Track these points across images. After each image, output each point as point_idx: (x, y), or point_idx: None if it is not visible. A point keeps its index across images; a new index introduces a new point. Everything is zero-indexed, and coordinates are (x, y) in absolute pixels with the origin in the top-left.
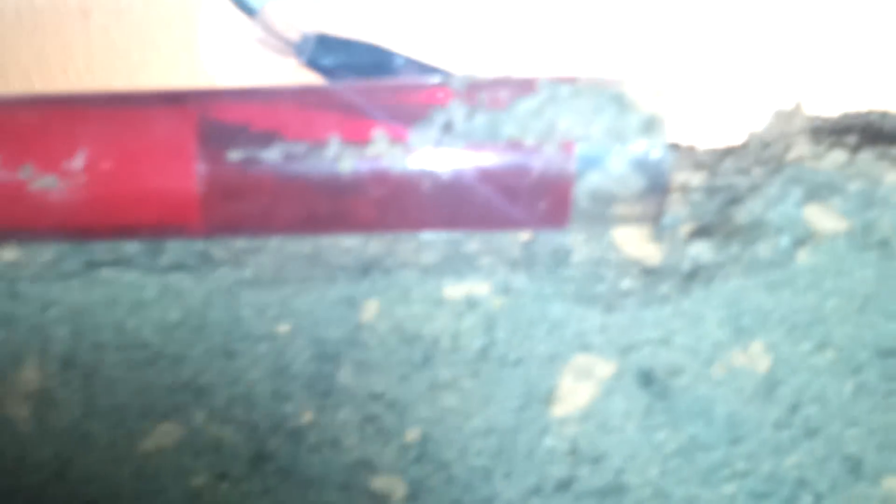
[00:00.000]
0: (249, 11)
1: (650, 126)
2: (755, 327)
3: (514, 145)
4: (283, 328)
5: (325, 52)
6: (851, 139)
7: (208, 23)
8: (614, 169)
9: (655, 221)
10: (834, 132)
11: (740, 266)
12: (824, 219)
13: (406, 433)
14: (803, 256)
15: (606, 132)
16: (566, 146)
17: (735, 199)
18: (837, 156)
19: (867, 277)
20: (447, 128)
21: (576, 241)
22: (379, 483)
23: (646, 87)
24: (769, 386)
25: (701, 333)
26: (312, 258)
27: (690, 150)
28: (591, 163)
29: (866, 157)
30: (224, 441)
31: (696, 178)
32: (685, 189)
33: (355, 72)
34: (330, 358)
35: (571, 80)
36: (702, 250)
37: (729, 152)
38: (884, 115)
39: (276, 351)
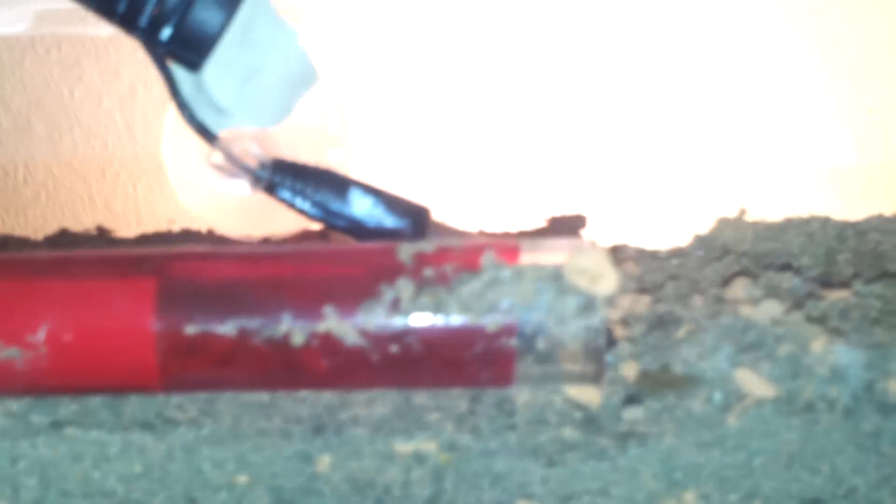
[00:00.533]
0: (209, 138)
1: (588, 304)
2: (687, 480)
3: (458, 322)
4: (242, 478)
5: (281, 177)
6: (787, 281)
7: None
8: (554, 343)
9: (596, 380)
10: (770, 267)
11: (673, 424)
12: (754, 383)
13: None
14: (732, 419)
15: (546, 310)
16: (508, 323)
17: (673, 344)
18: (771, 307)
19: (792, 439)
20: (394, 305)
21: (523, 390)
22: None
23: (584, 266)
24: None
25: (636, 486)
26: (268, 408)
27: (640, 257)
28: (531, 338)
29: (797, 318)
30: None
31: (640, 304)
32: (627, 322)
33: (311, 197)
34: None
35: (513, 255)
36: (636, 415)
37: (676, 254)
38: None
39: (236, 499)
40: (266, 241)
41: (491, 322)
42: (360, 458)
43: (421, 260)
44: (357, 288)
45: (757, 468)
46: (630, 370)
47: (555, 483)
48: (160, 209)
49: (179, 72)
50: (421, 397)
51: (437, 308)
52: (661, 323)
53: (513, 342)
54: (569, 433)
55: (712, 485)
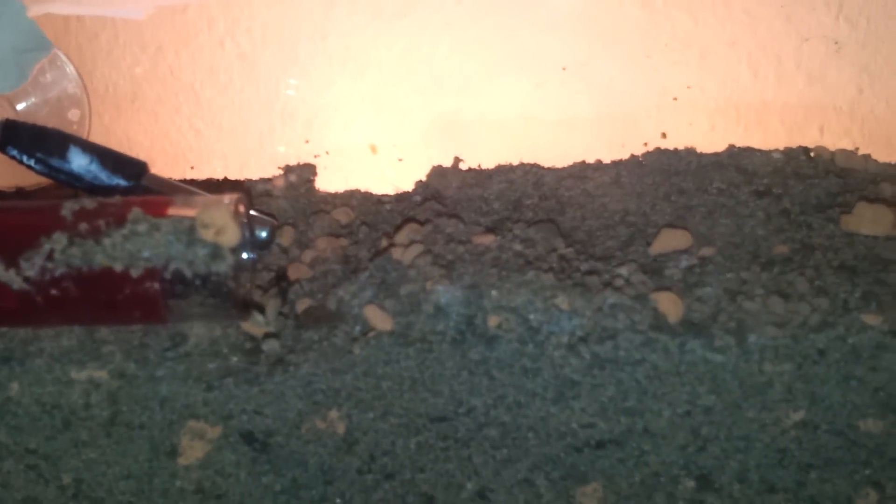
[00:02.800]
0: None
1: (216, 253)
2: (328, 401)
3: (108, 270)
4: None
5: (9, 137)
6: (451, 227)
7: None
8: (189, 286)
9: (230, 317)
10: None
11: (314, 353)
12: (378, 318)
13: (62, 477)
14: (358, 349)
15: (181, 259)
16: (149, 270)
17: (337, 283)
18: (413, 251)
19: (411, 366)
20: (49, 256)
21: (197, 326)
22: None
23: (209, 221)
24: (349, 443)
25: (285, 406)
26: None
27: (362, 201)
28: (171, 282)
29: (425, 261)
30: None
31: (334, 246)
32: (315, 263)
33: (35, 155)
34: None
35: (161, 210)
36: (273, 346)
37: (398, 199)
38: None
39: None
40: (18, 192)
41: (134, 269)
42: (43, 384)
43: (79, 216)
44: (22, 240)
45: (386, 391)
46: (301, 306)
47: (215, 405)
48: None
49: None
50: (103, 332)
51: (85, 258)
52: (343, 263)
53: (156, 286)
54: (233, 362)
55: (350, 405)
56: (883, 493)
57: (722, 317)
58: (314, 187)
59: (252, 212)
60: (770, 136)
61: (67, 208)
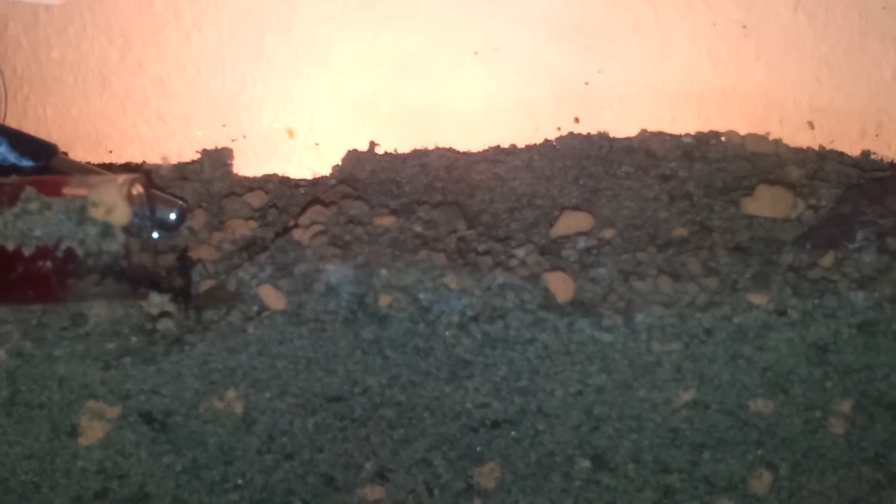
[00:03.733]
0: None
1: (106, 232)
2: (226, 380)
3: (1, 249)
4: None
5: None
6: (355, 209)
7: None
8: (82, 265)
9: (126, 296)
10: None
11: (211, 333)
12: (272, 297)
13: None
14: (251, 328)
15: (73, 238)
16: (41, 249)
17: (240, 263)
18: (312, 230)
19: (305, 345)
20: None
21: (97, 306)
22: None
23: (100, 200)
24: (247, 423)
25: (182, 385)
26: None
27: (280, 185)
28: (64, 261)
29: (321, 241)
30: None
31: (244, 228)
32: (221, 245)
33: None
34: None
35: (54, 189)
36: (168, 326)
37: (311, 184)
38: None
39: None
40: None
41: (26, 248)
42: None
43: None
44: None
45: (281, 370)
46: (204, 286)
47: (113, 384)
48: None
49: None
50: (2, 312)
51: None
52: (249, 245)
53: (48, 264)
54: (132, 342)
55: (247, 384)
56: (776, 473)
57: (612, 297)
58: (230, 171)
59: (160, 194)
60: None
61: None
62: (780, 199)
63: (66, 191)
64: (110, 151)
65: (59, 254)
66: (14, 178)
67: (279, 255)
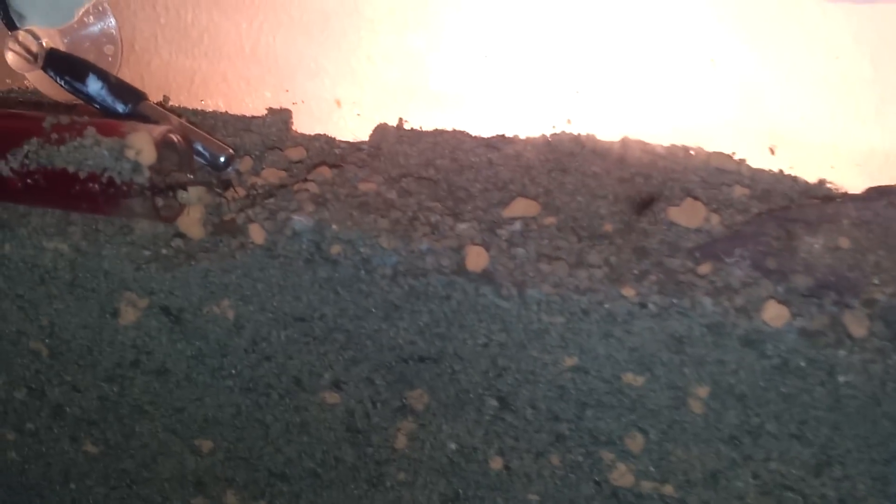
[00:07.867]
0: (11, 26)
1: (136, 168)
2: (221, 292)
3: (64, 170)
4: None
5: (50, 62)
6: (350, 172)
7: None
8: (119, 191)
9: (155, 217)
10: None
11: (212, 255)
12: (257, 233)
13: (41, 319)
14: (239, 256)
15: (112, 169)
16: (90, 174)
17: (251, 205)
18: (309, 186)
19: (277, 275)
20: (27, 155)
21: (141, 220)
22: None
23: (132, 143)
24: (237, 327)
25: (189, 291)
26: None
27: (327, 145)
28: (107, 186)
29: (287, 194)
30: None
31: (275, 177)
32: (239, 192)
33: (64, 77)
34: None
35: (110, 131)
36: (179, 244)
37: (352, 148)
38: None
39: None
40: (56, 105)
41: (81, 172)
42: (25, 248)
43: (55, 128)
44: (11, 140)
45: (261, 291)
46: (226, 217)
47: (142, 282)
48: None
49: None
50: (75, 216)
51: (48, 159)
52: (268, 193)
53: (96, 186)
54: (161, 253)
55: (237, 298)
56: (647, 437)
57: (518, 273)
58: (288, 128)
59: (215, 140)
60: None
61: (48, 121)
62: (695, 211)
63: (115, 133)
64: (202, 101)
65: (104, 180)
66: (86, 118)
67: (279, 203)
